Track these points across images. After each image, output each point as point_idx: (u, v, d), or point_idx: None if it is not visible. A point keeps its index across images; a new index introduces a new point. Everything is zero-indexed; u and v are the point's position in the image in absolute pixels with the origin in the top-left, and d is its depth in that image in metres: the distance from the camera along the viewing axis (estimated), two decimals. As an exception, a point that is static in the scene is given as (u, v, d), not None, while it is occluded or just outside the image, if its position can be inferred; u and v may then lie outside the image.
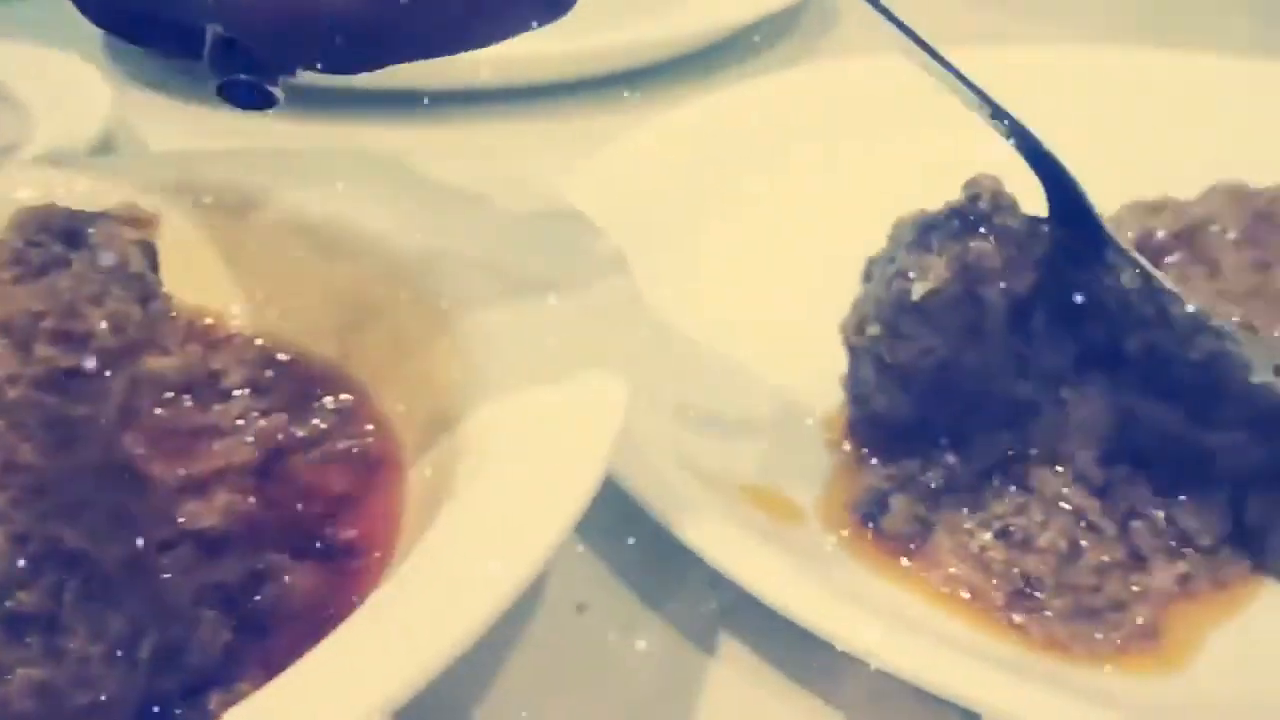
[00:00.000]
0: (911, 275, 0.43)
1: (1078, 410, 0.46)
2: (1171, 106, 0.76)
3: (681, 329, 0.57)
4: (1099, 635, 0.42)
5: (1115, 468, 0.46)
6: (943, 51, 0.44)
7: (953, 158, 0.71)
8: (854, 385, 0.50)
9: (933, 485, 0.47)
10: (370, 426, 0.45)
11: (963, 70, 0.44)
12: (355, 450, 0.45)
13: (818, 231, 0.65)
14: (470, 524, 0.35)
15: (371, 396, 0.47)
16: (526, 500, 0.35)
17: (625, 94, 0.87)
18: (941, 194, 0.47)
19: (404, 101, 0.84)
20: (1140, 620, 0.43)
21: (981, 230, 0.42)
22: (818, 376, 0.52)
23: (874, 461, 0.50)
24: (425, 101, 0.84)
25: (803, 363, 0.54)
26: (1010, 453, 0.47)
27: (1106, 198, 0.51)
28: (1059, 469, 0.46)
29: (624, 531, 0.46)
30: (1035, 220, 0.44)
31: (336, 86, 0.84)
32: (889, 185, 0.57)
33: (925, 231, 0.44)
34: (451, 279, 0.46)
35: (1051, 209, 0.45)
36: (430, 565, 0.34)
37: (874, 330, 0.45)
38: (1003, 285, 0.42)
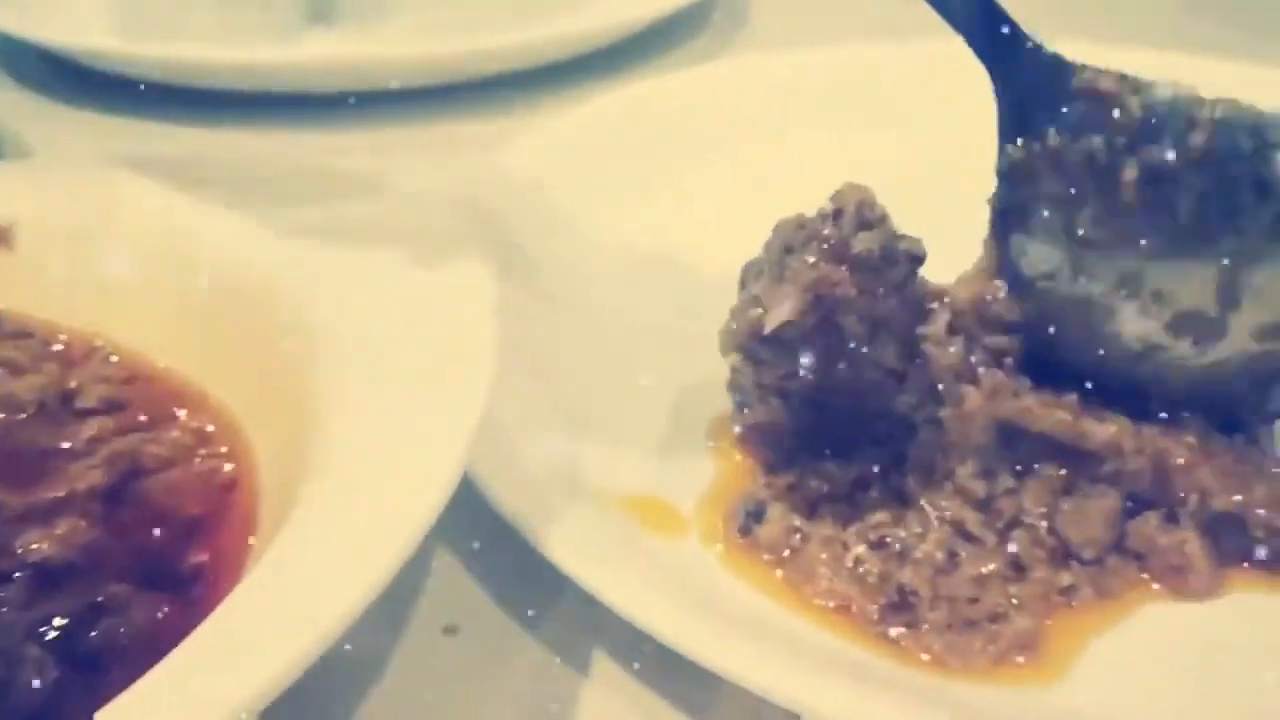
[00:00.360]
0: (762, 308, 0.42)
1: (957, 424, 0.44)
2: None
3: (572, 334, 0.56)
4: (976, 647, 0.41)
5: (997, 480, 0.45)
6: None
7: (858, 154, 0.71)
8: (736, 393, 0.49)
9: (811, 495, 0.46)
10: (225, 449, 0.43)
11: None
12: (210, 471, 0.43)
13: (715, 231, 0.64)
14: (316, 539, 0.34)
15: (230, 415, 0.45)
16: (375, 513, 0.34)
17: (533, 92, 0.85)
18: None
19: (321, 104, 0.83)
20: (1018, 631, 0.42)
21: (837, 256, 0.40)
22: (711, 381, 0.51)
23: (759, 470, 0.48)
24: (351, 101, 0.82)
25: (696, 367, 0.52)
26: (890, 463, 0.46)
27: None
28: (939, 480, 0.45)
29: (498, 549, 0.45)
30: (901, 238, 0.42)
31: (248, 90, 0.83)
32: (792, 183, 0.56)
33: (782, 254, 0.43)
34: (312, 294, 0.44)
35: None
36: (273, 581, 0.33)
37: (732, 360, 0.44)
38: (858, 315, 0.41)
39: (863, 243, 0.41)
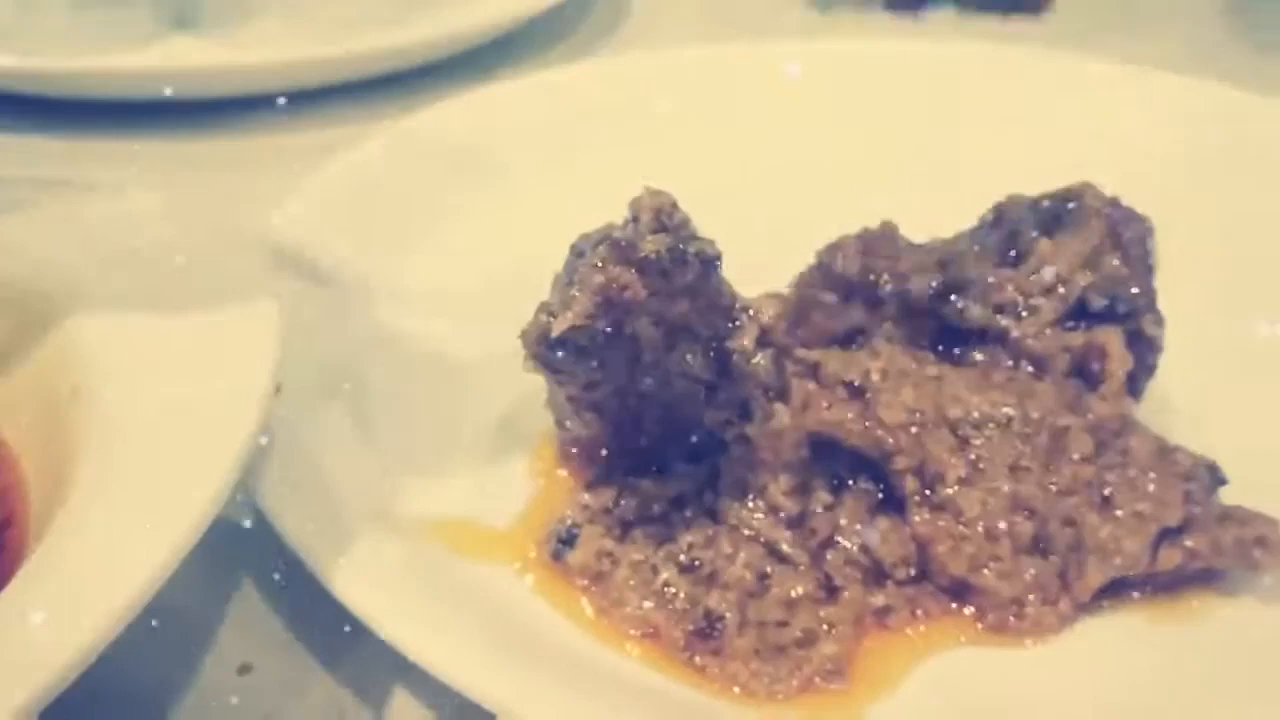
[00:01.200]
0: (552, 312, 0.40)
1: (767, 440, 0.43)
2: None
3: (392, 356, 0.54)
4: (783, 674, 0.40)
5: (813, 496, 0.44)
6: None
7: (711, 159, 0.70)
8: (554, 410, 0.47)
9: (626, 515, 0.44)
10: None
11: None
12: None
13: (550, 238, 0.62)
14: (72, 558, 0.34)
15: (4, 447, 0.43)
16: (132, 535, 0.34)
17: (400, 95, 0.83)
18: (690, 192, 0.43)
19: (157, 110, 0.80)
20: (826, 656, 0.40)
21: (624, 258, 0.39)
22: (534, 400, 0.49)
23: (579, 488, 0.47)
24: (167, 91, 0.79)
25: (520, 385, 0.50)
26: (705, 481, 0.44)
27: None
28: (751, 499, 0.43)
29: (303, 585, 0.43)
30: (692, 240, 0.41)
31: (66, 97, 0.80)
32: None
33: (575, 259, 0.41)
34: (86, 306, 0.42)
35: None
36: (18, 604, 0.32)
37: (527, 367, 0.42)
38: (651, 319, 0.39)
39: (651, 245, 0.39)
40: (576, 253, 0.41)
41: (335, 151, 0.64)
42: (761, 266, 0.49)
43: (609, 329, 0.39)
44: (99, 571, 0.33)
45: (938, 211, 0.52)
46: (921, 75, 0.77)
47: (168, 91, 0.80)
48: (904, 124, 0.73)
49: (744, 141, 0.73)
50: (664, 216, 0.40)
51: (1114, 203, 0.49)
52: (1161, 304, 0.49)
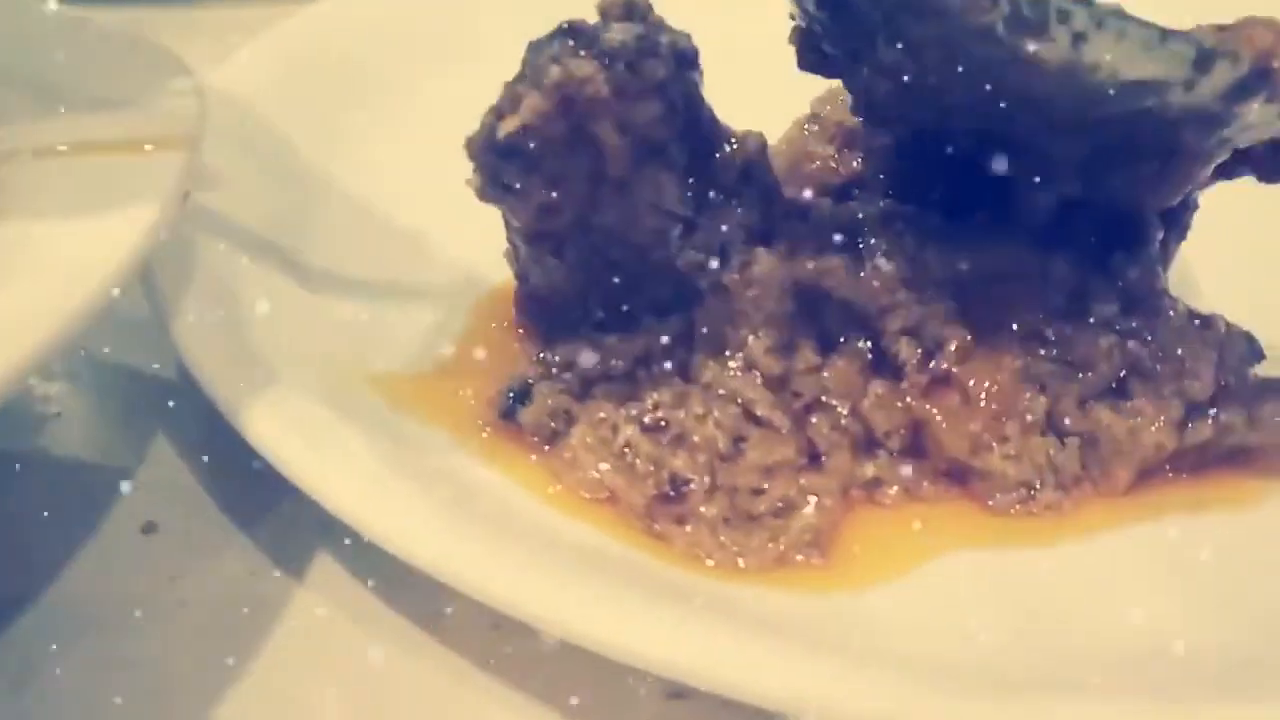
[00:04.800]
0: (499, 113, 0.35)
1: (747, 290, 0.38)
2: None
3: (334, 206, 0.49)
4: (755, 544, 0.35)
5: (797, 355, 0.39)
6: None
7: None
8: (513, 258, 0.42)
9: (588, 373, 0.39)
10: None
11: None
12: None
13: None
14: None
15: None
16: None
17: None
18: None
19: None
20: (806, 526, 0.35)
21: (585, 48, 0.33)
22: (495, 256, 0.44)
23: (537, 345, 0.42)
24: None
25: (483, 242, 0.45)
26: (676, 334, 0.39)
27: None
28: (727, 355, 0.38)
29: (219, 442, 0.38)
30: (664, 30, 0.35)
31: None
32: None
33: (532, 55, 0.35)
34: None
35: None
36: None
37: (475, 181, 0.37)
38: (615, 123, 0.34)
39: (617, 34, 0.34)
40: (533, 48, 0.35)
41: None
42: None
43: (566, 133, 0.34)
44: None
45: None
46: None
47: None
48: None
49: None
50: (631, 7, 0.35)
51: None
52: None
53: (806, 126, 0.46)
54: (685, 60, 0.35)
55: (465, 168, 0.38)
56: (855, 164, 0.44)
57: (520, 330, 0.43)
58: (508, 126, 0.34)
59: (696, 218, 0.38)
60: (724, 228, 0.38)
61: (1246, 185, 0.42)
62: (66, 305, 0.30)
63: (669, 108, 0.35)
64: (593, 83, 0.33)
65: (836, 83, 0.45)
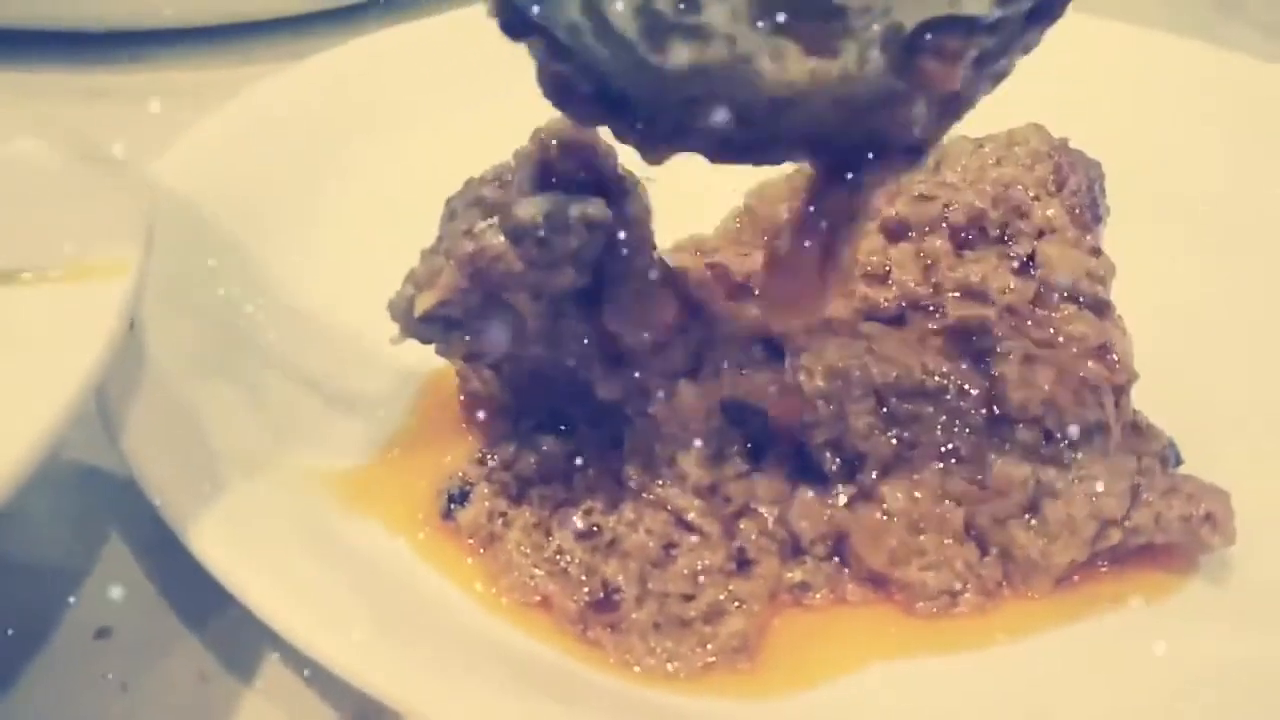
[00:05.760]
0: (417, 285, 0.36)
1: (672, 415, 0.39)
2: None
3: (279, 298, 0.49)
4: (685, 651, 0.37)
5: (727, 464, 0.40)
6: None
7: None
8: (453, 364, 0.43)
9: (525, 474, 0.40)
10: None
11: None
12: None
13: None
14: None
15: None
16: None
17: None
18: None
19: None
20: (734, 632, 0.37)
21: (497, 226, 0.35)
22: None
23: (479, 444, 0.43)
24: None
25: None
26: (609, 440, 0.40)
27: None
28: (661, 464, 0.40)
29: (169, 544, 0.39)
30: (575, 202, 0.36)
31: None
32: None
33: (448, 220, 0.36)
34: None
35: None
36: None
37: (394, 339, 0.38)
38: (529, 293, 0.36)
39: (527, 210, 0.35)
40: (450, 212, 0.37)
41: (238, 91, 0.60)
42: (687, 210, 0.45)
43: (482, 300, 0.35)
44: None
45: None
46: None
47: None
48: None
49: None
50: (545, 166, 0.36)
51: (1063, 144, 0.45)
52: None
53: (739, 219, 0.48)
54: (598, 229, 0.36)
55: (409, 258, 0.39)
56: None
57: (465, 421, 0.45)
58: (425, 303, 0.35)
59: (611, 366, 0.39)
60: (642, 372, 0.39)
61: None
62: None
63: (583, 271, 0.36)
64: (504, 259, 0.34)
65: (771, 175, 0.47)
